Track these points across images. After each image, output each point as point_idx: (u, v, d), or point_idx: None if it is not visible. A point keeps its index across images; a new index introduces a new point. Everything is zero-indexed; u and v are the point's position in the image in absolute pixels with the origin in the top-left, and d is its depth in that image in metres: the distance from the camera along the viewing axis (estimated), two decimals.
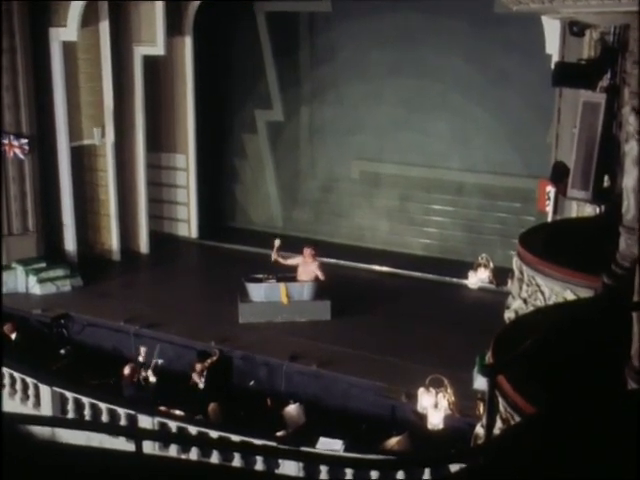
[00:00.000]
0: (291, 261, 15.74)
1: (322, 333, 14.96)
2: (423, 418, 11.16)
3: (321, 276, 15.47)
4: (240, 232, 20.99)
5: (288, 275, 15.68)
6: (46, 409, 13.09)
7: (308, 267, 15.57)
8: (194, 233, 20.89)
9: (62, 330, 15.61)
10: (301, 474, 10.48)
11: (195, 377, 13.44)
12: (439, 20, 17.68)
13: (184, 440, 8.87)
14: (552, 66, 11.62)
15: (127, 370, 13.14)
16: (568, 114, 12.55)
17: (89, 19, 17.94)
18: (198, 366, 13.52)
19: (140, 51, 18.75)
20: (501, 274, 11.72)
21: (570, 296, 6.57)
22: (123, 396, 13.06)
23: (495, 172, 18.17)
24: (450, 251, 18.68)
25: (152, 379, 13.05)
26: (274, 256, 15.49)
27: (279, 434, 12.00)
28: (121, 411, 12.35)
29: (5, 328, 14.70)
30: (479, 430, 5.34)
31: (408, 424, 12.05)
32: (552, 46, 14.20)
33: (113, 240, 19.30)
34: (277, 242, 15.49)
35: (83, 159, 19.02)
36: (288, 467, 10.34)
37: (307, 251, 15.66)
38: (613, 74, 8.29)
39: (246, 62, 20.16)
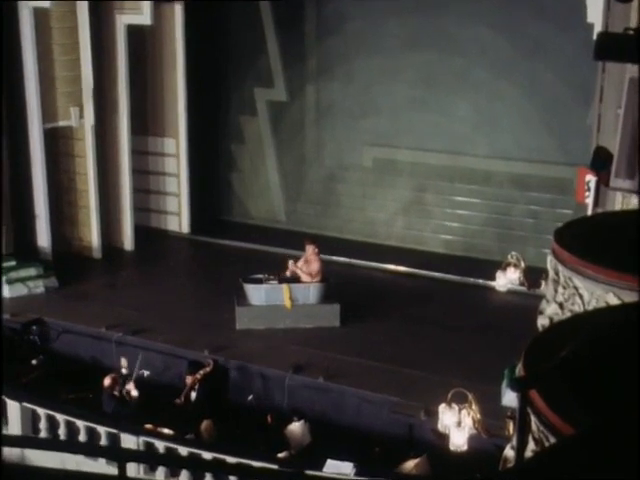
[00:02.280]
0: (300, 264, 15.75)
1: (330, 341, 14.98)
2: (444, 438, 11.12)
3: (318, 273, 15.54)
4: (237, 227, 21.03)
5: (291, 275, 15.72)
6: (14, 427, 13.10)
7: (311, 266, 15.58)
8: (185, 228, 20.92)
9: (34, 337, 15.63)
10: None
11: (186, 391, 13.44)
12: None
13: (173, 462, 8.87)
14: (594, 37, 11.55)
15: (107, 381, 13.09)
16: (612, 92, 12.49)
17: None
18: (189, 378, 13.54)
19: (124, 20, 18.68)
20: (534, 275, 11.67)
21: (613, 300, 6.53)
22: (103, 411, 13.06)
23: (527, 159, 18.14)
24: (475, 249, 18.67)
25: (134, 393, 13.03)
26: (291, 267, 15.55)
27: (281, 455, 12.03)
28: (101, 429, 12.37)
29: None
30: (508, 452, 5.31)
31: (427, 445, 12.05)
32: (594, 14, 14.10)
33: (93, 235, 19.31)
34: (291, 264, 15.59)
35: (58, 143, 19.05)
36: None
37: (310, 248, 15.65)
38: None
39: (244, 34, 20.14)
